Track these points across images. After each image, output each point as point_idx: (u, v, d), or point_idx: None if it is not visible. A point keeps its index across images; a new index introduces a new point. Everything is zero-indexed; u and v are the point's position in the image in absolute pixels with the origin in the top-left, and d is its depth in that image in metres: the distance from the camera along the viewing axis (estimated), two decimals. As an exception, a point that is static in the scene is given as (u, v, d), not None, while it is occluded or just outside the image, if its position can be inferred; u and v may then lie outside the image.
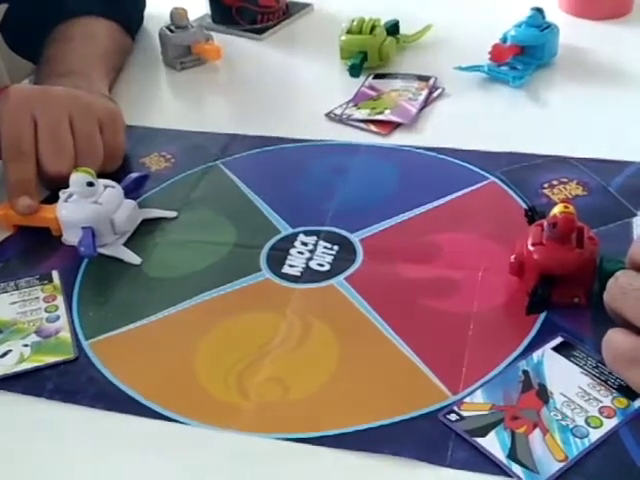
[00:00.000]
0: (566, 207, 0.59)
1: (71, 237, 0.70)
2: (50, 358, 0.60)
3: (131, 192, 0.74)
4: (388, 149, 0.81)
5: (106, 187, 0.71)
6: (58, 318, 0.63)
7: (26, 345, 0.61)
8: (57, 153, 0.73)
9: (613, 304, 0.55)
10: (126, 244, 0.70)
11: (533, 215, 0.64)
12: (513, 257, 0.61)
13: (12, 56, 1.02)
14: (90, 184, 0.69)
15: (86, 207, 0.69)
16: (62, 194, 0.70)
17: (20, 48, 1.01)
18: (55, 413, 0.56)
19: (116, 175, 0.76)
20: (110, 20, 0.98)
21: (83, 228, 0.68)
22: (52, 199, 0.73)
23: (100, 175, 0.72)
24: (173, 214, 0.74)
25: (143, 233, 0.72)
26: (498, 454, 0.50)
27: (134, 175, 0.76)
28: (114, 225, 0.70)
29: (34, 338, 0.61)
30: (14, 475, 0.53)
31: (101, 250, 0.69)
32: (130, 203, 0.72)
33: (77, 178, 0.69)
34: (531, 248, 0.60)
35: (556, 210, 0.59)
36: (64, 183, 0.70)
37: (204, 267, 0.68)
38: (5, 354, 0.60)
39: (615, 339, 0.53)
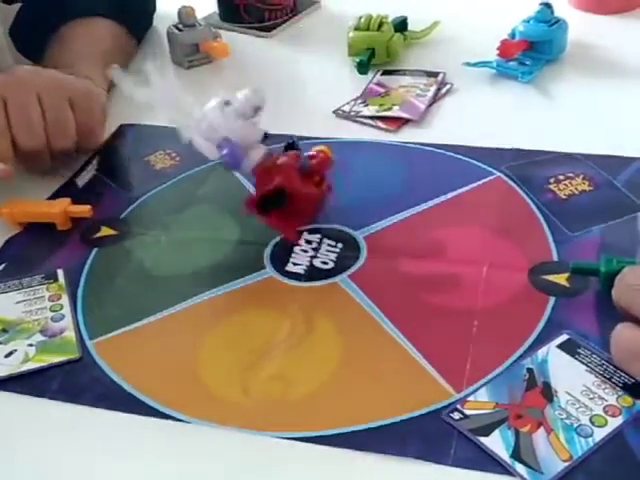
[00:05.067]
0: (324, 149, 0.69)
1: (205, 146, 0.68)
2: (55, 358, 0.60)
3: None
4: (394, 146, 0.81)
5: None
6: (63, 317, 0.63)
7: (31, 345, 0.61)
8: (28, 129, 0.75)
9: (621, 301, 0.55)
10: (128, 242, 0.71)
11: (291, 146, 0.70)
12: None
13: (21, 60, 1.02)
14: (258, 109, 0.67)
15: (246, 125, 0.67)
16: (215, 101, 0.69)
17: (27, 51, 1.01)
18: (59, 413, 0.56)
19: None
20: (113, 21, 0.97)
21: (225, 140, 0.67)
22: (56, 195, 0.75)
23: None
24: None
25: (147, 230, 0.72)
26: (501, 453, 0.50)
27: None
28: (247, 159, 0.67)
29: (39, 337, 0.62)
30: (17, 474, 0.53)
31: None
32: (264, 148, 0.69)
33: (249, 96, 0.68)
34: (291, 170, 0.68)
35: (316, 148, 0.69)
36: (41, 161, 0.73)
37: (208, 265, 0.68)
38: (10, 354, 0.60)
39: (624, 334, 0.53)
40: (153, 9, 1.09)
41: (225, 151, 0.67)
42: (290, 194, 0.67)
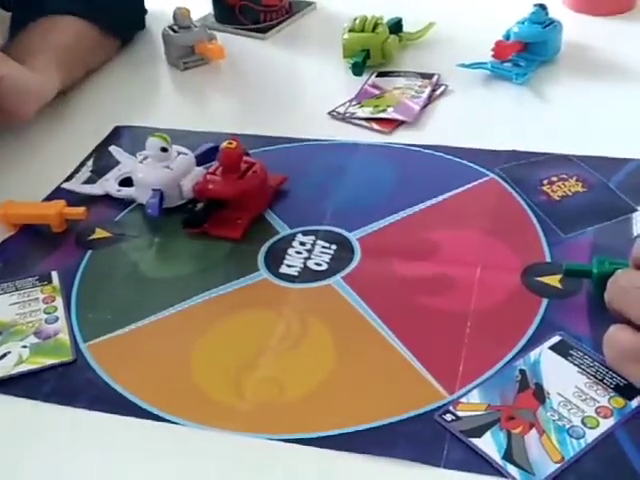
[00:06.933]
0: (230, 143, 0.70)
1: (141, 196, 0.74)
2: (48, 360, 0.60)
3: (202, 161, 0.76)
4: (388, 148, 0.81)
5: (179, 154, 0.74)
6: (57, 319, 0.63)
7: (25, 347, 0.61)
8: None
9: (614, 303, 0.55)
10: (123, 244, 0.71)
11: (214, 151, 0.74)
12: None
13: None
14: (164, 149, 0.73)
15: (158, 170, 0.73)
16: (139, 156, 0.75)
17: None
18: (53, 416, 0.56)
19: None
20: (84, 19, 0.96)
21: (153, 190, 0.72)
22: (51, 197, 0.75)
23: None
24: None
25: (141, 233, 0.72)
26: (494, 455, 0.50)
27: (206, 146, 0.77)
28: (182, 190, 0.73)
29: (33, 339, 0.61)
30: (10, 477, 0.53)
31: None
32: (200, 171, 0.74)
33: (152, 142, 0.73)
34: (207, 177, 0.71)
35: (223, 145, 0.71)
36: None
37: (202, 267, 0.68)
38: (4, 356, 0.60)
39: (617, 336, 0.53)
40: (143, 10, 1.09)
41: (149, 201, 0.71)
42: (212, 198, 0.70)
